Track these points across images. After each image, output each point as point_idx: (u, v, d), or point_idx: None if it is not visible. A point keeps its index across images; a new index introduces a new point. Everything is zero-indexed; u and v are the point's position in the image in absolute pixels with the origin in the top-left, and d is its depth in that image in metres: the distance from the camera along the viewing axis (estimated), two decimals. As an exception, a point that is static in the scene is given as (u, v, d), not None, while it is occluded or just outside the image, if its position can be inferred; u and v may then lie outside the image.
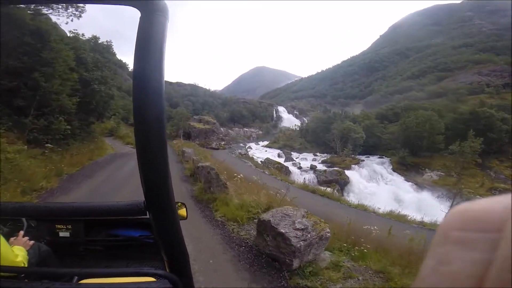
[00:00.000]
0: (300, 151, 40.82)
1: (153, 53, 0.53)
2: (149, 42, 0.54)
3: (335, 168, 24.82)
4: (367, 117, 43.66)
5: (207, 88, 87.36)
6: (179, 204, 1.24)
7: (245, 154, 28.70)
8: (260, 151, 39.25)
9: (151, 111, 0.54)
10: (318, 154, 36.21)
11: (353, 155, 30.61)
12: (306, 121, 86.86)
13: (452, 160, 23.13)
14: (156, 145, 0.55)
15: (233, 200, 4.83)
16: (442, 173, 27.28)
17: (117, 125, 20.72)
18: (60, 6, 9.85)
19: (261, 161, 27.19)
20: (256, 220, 4.06)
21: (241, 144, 47.44)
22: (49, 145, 7.54)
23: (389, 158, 31.52)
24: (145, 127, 0.55)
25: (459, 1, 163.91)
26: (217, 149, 29.38)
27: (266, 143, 53.92)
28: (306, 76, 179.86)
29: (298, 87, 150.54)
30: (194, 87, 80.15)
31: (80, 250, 1.27)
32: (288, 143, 46.95)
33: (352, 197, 18.36)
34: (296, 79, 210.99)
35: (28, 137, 7.38)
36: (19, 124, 7.43)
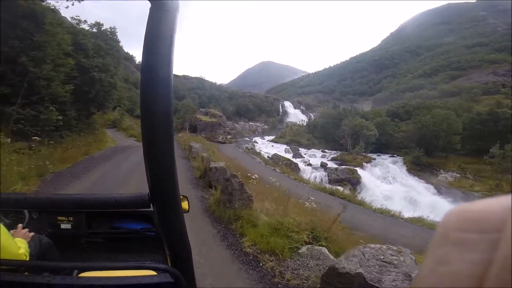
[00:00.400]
0: (307, 147, 39.64)
1: (162, 47, 0.53)
2: (158, 36, 0.53)
3: (347, 166, 23.61)
4: (378, 114, 42.21)
5: (214, 82, 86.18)
6: (181, 197, 0.97)
7: (251, 148, 27.58)
8: (266, 146, 38.17)
9: (159, 104, 0.53)
10: (326, 150, 34.96)
11: (364, 153, 29.32)
12: (313, 117, 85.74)
13: (490, 163, 21.60)
14: (163, 138, 0.55)
15: (260, 218, 3.64)
16: (457, 175, 26.02)
17: (121, 116, 19.55)
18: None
19: (268, 157, 26.11)
20: (301, 251, 2.89)
21: (247, 138, 46.37)
22: (36, 137, 6.42)
23: (401, 158, 30.33)
24: (152, 120, 0.54)
25: (472, 1, 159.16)
26: (224, 142, 28.30)
27: (271, 137, 53.10)
28: (313, 71, 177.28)
29: (305, 82, 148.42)
30: (200, 80, 79.04)
31: (81, 242, 1.22)
32: (295, 138, 45.78)
33: (365, 198, 17.24)
34: (302, 74, 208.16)
35: (12, 129, 6.29)
36: (3, 114, 6.34)
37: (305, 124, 67.93)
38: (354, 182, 21.88)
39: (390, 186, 22.71)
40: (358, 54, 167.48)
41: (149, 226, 1.17)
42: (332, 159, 29.03)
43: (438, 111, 29.56)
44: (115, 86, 12.70)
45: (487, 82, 64.14)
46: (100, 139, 10.79)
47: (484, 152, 27.06)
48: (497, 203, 0.18)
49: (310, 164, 24.29)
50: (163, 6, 0.53)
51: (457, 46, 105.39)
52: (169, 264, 0.69)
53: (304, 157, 28.55)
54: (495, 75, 68.90)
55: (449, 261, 0.18)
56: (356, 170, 22.81)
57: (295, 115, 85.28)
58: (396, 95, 79.46)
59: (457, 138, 27.90)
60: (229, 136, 30.44)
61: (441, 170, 27.78)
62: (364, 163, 26.55)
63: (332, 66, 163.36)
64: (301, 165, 24.15)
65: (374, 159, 29.66)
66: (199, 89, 68.96)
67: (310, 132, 50.24)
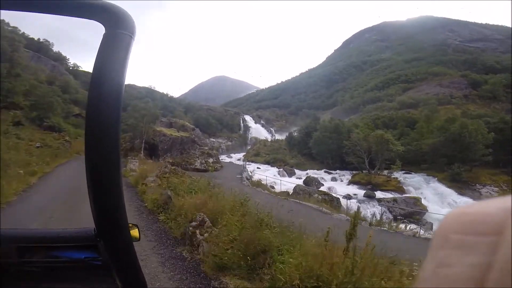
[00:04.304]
0: (298, 167, 31.95)
1: (113, 75, 0.49)
2: (111, 62, 0.50)
3: (408, 195, 16.50)
4: (368, 127, 37.28)
5: (165, 93, 74.15)
6: (131, 225, 0.93)
7: (250, 178, 18.43)
8: (251, 168, 29.34)
9: (107, 135, 0.49)
10: (333, 172, 27.74)
11: (389, 173, 22.78)
12: (274, 131, 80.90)
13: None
14: (110, 167, 0.51)
15: None
16: (495, 188, 22.85)
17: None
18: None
19: (270, 186, 17.50)
20: None
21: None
22: None
23: (424, 174, 25.01)
24: (99, 150, 0.50)
25: (403, 20, 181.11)
26: (205, 170, 18.47)
27: (240, 156, 44.98)
28: (266, 87, 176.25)
29: (260, 97, 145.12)
30: (150, 91, 66.58)
31: (13, 272, 0.96)
32: (278, 157, 37.85)
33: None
34: (255, 89, 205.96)
35: None
36: None
37: (272, 138, 61.39)
38: (422, 214, 14.95)
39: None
40: (307, 70, 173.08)
41: (94, 255, 0.86)
42: (353, 183, 21.72)
43: (465, 121, 25.21)
44: None
45: (438, 93, 67.29)
46: None
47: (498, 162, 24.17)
48: (497, 205, 0.18)
49: (349, 197, 16.26)
50: (119, 28, 0.50)
51: (396, 61, 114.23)
52: None
53: (323, 184, 20.44)
54: (441, 87, 73.02)
55: (449, 263, 0.18)
56: (419, 199, 15.77)
57: (257, 130, 79.80)
58: (355, 108, 79.23)
59: (486, 149, 23.84)
60: (210, 160, 20.51)
61: (477, 184, 23.37)
62: (403, 187, 19.82)
63: (284, 81, 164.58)
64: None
65: (395, 178, 23.50)
66: (149, 99, 56.69)
67: (291, 148, 43.14)
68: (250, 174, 18.08)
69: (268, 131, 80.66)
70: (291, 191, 16.02)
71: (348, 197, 16.02)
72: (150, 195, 7.08)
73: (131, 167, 13.73)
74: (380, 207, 14.15)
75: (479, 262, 0.17)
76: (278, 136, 62.75)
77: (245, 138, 62.72)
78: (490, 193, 21.95)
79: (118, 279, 0.63)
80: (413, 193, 18.79)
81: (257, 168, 30.52)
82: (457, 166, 21.96)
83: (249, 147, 55.15)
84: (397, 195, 17.99)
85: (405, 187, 20.02)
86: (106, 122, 0.48)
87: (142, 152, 21.67)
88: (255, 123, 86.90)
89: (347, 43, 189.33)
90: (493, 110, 48.63)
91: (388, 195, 17.74)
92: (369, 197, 16.56)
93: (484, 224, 0.17)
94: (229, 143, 64.72)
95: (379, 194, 17.38)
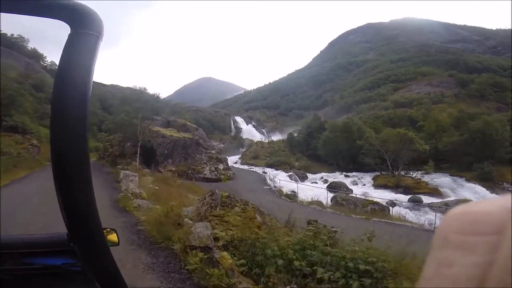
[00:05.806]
0: (305, 169, 29.57)
1: (78, 76, 0.48)
2: (76, 65, 0.48)
3: (457, 198, 14.50)
4: (373, 125, 35.58)
5: (152, 93, 69.67)
6: (108, 229, 1.02)
7: (271, 186, 15.64)
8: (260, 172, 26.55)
9: (72, 132, 0.49)
10: (348, 174, 25.51)
11: (421, 174, 20.77)
12: (265, 132, 78.78)
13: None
14: (78, 169, 0.50)
15: None
16: None
17: None
18: None
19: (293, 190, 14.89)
20: None
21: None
22: None
23: (445, 173, 23.29)
24: (65, 152, 0.49)
25: (386, 21, 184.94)
26: (218, 180, 15.49)
27: (234, 158, 42.53)
28: (254, 88, 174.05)
29: (249, 98, 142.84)
30: (134, 91, 61.99)
31: None
32: (282, 159, 35.27)
33: None
34: (243, 91, 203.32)
35: None
36: None
37: (268, 140, 58.94)
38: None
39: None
40: (294, 71, 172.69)
41: (72, 261, 0.83)
42: (380, 187, 19.53)
43: (485, 118, 23.77)
44: None
45: (429, 92, 67.48)
46: None
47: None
48: (497, 205, 0.18)
49: (393, 203, 13.87)
50: (85, 28, 0.48)
51: (382, 61, 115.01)
52: None
53: (351, 189, 18.02)
54: (431, 86, 73.49)
55: (451, 263, 0.18)
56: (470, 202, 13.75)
57: (249, 131, 77.17)
58: (346, 108, 78.22)
59: (511, 147, 22.60)
60: (221, 166, 17.46)
61: (504, 183, 21.98)
62: (439, 189, 17.78)
63: (272, 82, 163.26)
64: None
65: (419, 178, 21.58)
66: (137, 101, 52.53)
67: (292, 150, 40.80)
68: (272, 182, 15.29)
69: (260, 132, 78.72)
70: (318, 199, 13.62)
71: (392, 204, 13.64)
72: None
73: (130, 187, 8.27)
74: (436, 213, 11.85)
75: (480, 262, 0.17)
76: (271, 137, 60.44)
77: (240, 140, 59.80)
78: (518, 191, 20.45)
79: (98, 284, 0.61)
80: (451, 195, 16.80)
81: (263, 172, 27.90)
82: (487, 164, 20.33)
83: (243, 149, 52.68)
84: (435, 199, 15.91)
85: (440, 189, 18.01)
86: (71, 123, 0.47)
87: (138, 159, 18.06)
88: (247, 124, 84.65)
89: (332, 45, 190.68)
90: (484, 108, 48.68)
91: (428, 199, 15.66)
92: (416, 202, 14.28)
93: (484, 223, 0.17)
94: (222, 145, 61.90)
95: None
